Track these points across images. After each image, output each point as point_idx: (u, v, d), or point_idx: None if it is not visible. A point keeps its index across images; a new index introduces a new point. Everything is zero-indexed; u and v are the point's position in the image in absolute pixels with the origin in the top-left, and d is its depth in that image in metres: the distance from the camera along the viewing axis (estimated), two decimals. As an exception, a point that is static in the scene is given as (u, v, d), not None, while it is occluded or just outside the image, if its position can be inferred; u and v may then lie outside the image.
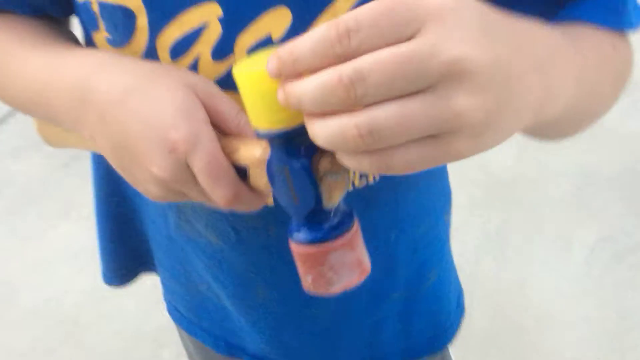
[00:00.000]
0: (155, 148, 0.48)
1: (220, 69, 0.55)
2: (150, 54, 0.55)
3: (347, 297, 0.55)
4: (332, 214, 0.44)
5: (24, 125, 2.60)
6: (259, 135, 0.43)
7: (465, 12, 0.36)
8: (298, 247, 0.45)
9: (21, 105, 0.59)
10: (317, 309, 0.70)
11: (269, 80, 0.39)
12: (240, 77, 0.41)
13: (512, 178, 2.28)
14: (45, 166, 2.52)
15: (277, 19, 0.52)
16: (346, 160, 0.38)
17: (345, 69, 0.35)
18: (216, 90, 0.51)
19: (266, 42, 0.53)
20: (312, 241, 0.44)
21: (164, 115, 0.48)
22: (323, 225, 0.44)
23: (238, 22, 0.53)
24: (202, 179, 0.48)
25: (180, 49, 0.54)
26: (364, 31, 0.35)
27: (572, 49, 0.46)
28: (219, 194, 0.48)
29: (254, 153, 0.47)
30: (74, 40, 0.62)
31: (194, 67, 0.55)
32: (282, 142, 0.43)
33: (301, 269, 0.45)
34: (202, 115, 0.49)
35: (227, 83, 0.52)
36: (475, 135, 0.36)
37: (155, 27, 0.54)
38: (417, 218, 0.70)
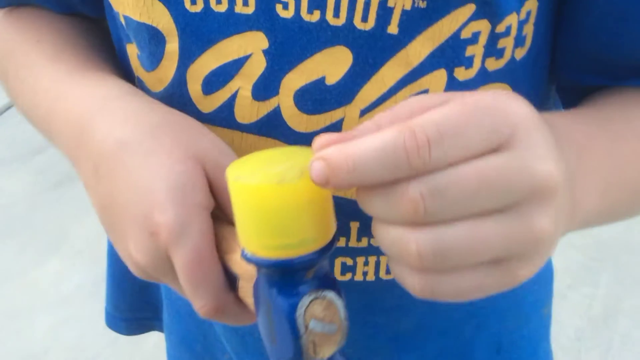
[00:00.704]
0: (135, 224, 0.44)
1: (261, 110, 0.50)
2: (179, 85, 0.51)
3: None
4: None
5: (13, 130, 2.39)
6: (245, 258, 0.38)
7: (544, 125, 0.36)
8: None
9: (30, 120, 0.58)
10: None
11: (271, 198, 0.36)
12: (244, 189, 0.37)
13: (621, 247, 2.14)
14: (34, 185, 2.41)
15: (335, 60, 0.48)
16: (391, 267, 0.37)
17: (419, 186, 0.33)
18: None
19: (318, 86, 0.48)
20: None
21: (153, 190, 0.43)
22: None
23: (286, 57, 0.48)
24: (181, 279, 0.43)
25: (215, 81, 0.50)
26: (447, 142, 0.33)
27: (607, 141, 0.47)
28: (197, 303, 0.44)
29: (247, 265, 0.41)
30: (105, 45, 0.60)
31: (231, 105, 0.50)
32: (270, 272, 0.38)
33: None
34: (199, 199, 0.43)
35: (266, 129, 0.50)
36: (539, 258, 0.36)
37: (188, 55, 0.50)
38: (502, 310, 0.65)
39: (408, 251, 0.35)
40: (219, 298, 0.44)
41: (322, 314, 0.38)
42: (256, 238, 0.37)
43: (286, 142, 0.50)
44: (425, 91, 0.48)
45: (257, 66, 0.49)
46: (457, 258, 0.34)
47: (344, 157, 0.33)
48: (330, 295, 0.39)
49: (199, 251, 0.43)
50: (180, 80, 0.51)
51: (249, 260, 0.38)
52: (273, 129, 0.49)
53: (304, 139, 0.49)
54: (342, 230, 0.52)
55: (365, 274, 0.55)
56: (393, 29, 0.47)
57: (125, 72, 0.57)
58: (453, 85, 0.47)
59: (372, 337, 0.60)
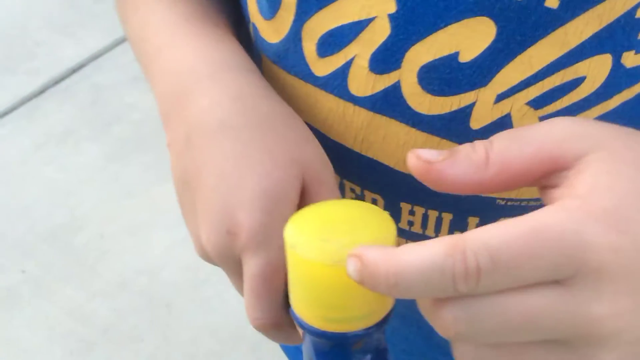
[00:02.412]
0: (214, 215, 0.41)
1: (377, 84, 0.43)
2: (294, 40, 0.46)
3: None
4: None
5: None
6: (294, 318, 0.35)
7: (631, 251, 0.29)
8: None
9: (132, 49, 0.54)
10: None
11: (325, 276, 0.33)
12: (298, 261, 0.33)
13: None
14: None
15: (473, 34, 0.40)
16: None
17: (455, 310, 0.29)
18: (330, 180, 0.43)
19: (449, 63, 0.40)
20: None
21: (244, 188, 0.40)
22: None
23: (416, 26, 0.41)
24: (246, 286, 0.42)
25: (331, 43, 0.44)
26: (499, 273, 0.28)
27: None
28: (253, 314, 0.42)
29: None
30: None
31: (344, 73, 0.44)
32: (320, 342, 0.36)
33: None
34: (289, 212, 0.40)
35: (382, 105, 0.44)
36: None
37: (305, 9, 0.44)
38: None
39: (439, 324, 0.31)
40: (276, 316, 0.42)
41: None
42: (306, 306, 0.34)
43: (404, 122, 0.44)
44: (582, 79, 0.40)
45: (380, 33, 0.42)
46: (501, 330, 0.30)
47: (385, 272, 0.30)
48: None
49: (272, 266, 0.40)
50: (295, 35, 0.46)
51: (297, 321, 0.35)
52: (390, 107, 0.44)
53: (425, 122, 0.43)
54: (458, 224, 0.47)
55: None
56: (552, 2, 0.38)
57: (241, 18, 0.52)
58: (618, 73, 0.39)
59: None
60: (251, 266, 0.41)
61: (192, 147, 0.43)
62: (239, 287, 0.44)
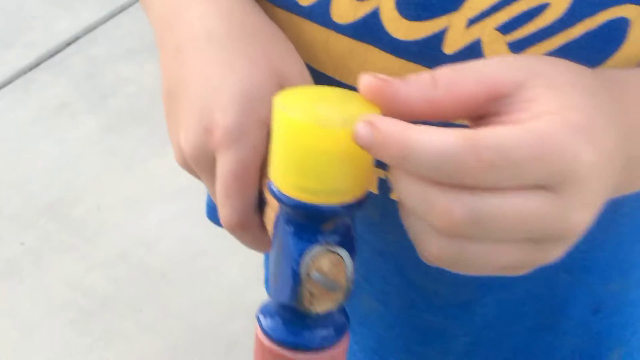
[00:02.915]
0: (194, 115, 0.43)
1: (359, 10, 0.45)
2: None
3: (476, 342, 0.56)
4: (311, 319, 0.39)
5: (144, 22, 2.40)
6: (271, 191, 0.37)
7: (603, 165, 0.34)
8: (258, 331, 0.41)
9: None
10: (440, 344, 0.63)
11: (309, 138, 0.34)
12: (286, 122, 0.35)
13: None
14: (160, 77, 2.30)
15: None
16: (408, 222, 0.36)
17: (458, 204, 0.32)
18: None
19: None
20: (272, 338, 0.40)
21: (224, 89, 0.43)
22: (293, 328, 0.40)
23: None
24: (218, 183, 0.43)
25: None
26: (506, 171, 0.32)
27: None
28: (224, 212, 0.43)
29: None
30: None
31: (328, 1, 0.46)
32: (291, 212, 0.37)
33: (255, 354, 0.41)
34: (264, 114, 0.42)
35: (363, 32, 0.45)
36: (571, 240, 0.36)
37: None
38: (604, 268, 0.58)
39: (437, 210, 0.33)
40: (246, 215, 0.44)
41: (327, 269, 0.38)
42: (285, 174, 0.36)
43: (382, 49, 0.46)
44: (546, 5, 0.42)
45: None
46: (493, 228, 0.33)
47: (396, 143, 0.32)
48: (343, 253, 0.38)
49: (243, 164, 0.42)
50: None
51: (273, 194, 0.37)
52: (370, 33, 0.45)
53: (402, 48, 0.45)
54: None
55: None
56: None
57: None
58: (581, 2, 0.42)
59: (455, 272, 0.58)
60: (223, 163, 0.42)
61: (180, 59, 0.46)
62: (213, 191, 0.45)
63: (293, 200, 0.36)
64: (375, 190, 0.52)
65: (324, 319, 0.40)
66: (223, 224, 0.44)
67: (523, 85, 0.34)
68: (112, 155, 2.13)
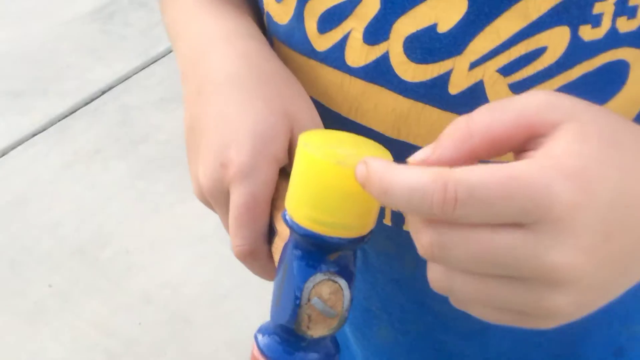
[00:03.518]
0: (212, 151, 0.48)
1: (370, 55, 0.49)
2: (297, 20, 0.52)
3: None
4: (305, 342, 0.42)
5: (173, 73, 2.48)
6: (286, 221, 0.41)
7: (592, 211, 0.33)
8: (254, 348, 0.44)
9: (166, 30, 0.61)
10: None
11: (326, 175, 0.38)
12: (307, 158, 0.39)
13: None
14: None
15: (448, 6, 0.45)
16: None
17: (431, 235, 0.35)
18: None
19: (428, 34, 0.46)
20: (266, 355, 0.43)
21: (240, 129, 0.47)
22: (288, 348, 0.43)
23: (401, 0, 0.47)
24: (231, 214, 0.47)
25: (330, 20, 0.50)
26: (473, 207, 0.33)
27: None
28: (235, 240, 0.47)
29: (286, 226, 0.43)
30: None
31: (342, 46, 0.50)
32: (300, 240, 0.41)
33: None
34: (275, 152, 0.47)
35: (374, 74, 0.49)
36: (564, 319, 0.36)
37: None
38: (625, 308, 0.59)
39: (414, 237, 0.36)
40: (256, 244, 0.47)
41: (327, 296, 0.41)
42: (301, 206, 0.40)
43: (393, 90, 0.49)
44: (544, 49, 0.45)
45: (372, 7, 0.48)
46: (468, 300, 0.36)
47: (379, 180, 0.35)
48: (342, 283, 0.41)
49: (255, 197, 0.46)
50: (299, 15, 0.51)
51: (287, 222, 0.41)
52: (380, 75, 0.48)
53: (411, 89, 0.48)
54: None
55: None
56: None
57: (258, 7, 0.58)
58: (576, 45, 0.44)
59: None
60: (237, 196, 0.46)
61: (201, 99, 0.50)
62: (227, 223, 0.48)
63: (304, 229, 0.40)
64: (389, 222, 0.55)
65: (316, 344, 0.42)
66: (235, 253, 0.47)
67: (559, 126, 0.34)
68: (140, 200, 2.18)
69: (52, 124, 2.48)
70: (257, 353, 0.43)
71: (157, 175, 2.26)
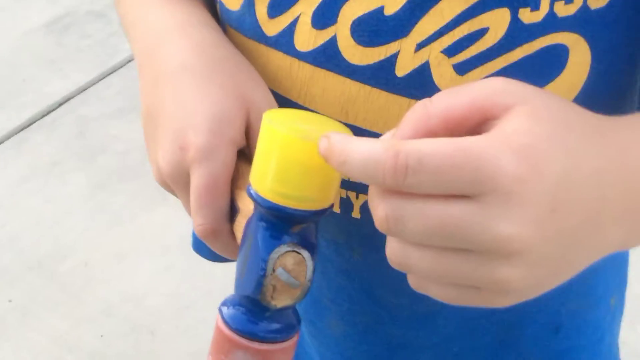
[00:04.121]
0: (170, 135, 0.49)
1: (318, 39, 0.50)
2: (248, 5, 0.53)
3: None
4: (269, 312, 0.44)
5: (134, 82, 2.44)
6: (249, 194, 0.42)
7: (538, 185, 0.34)
8: (218, 320, 0.45)
9: (121, 23, 0.62)
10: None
11: (291, 149, 0.40)
12: (272, 133, 0.41)
13: None
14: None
15: None
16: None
17: (386, 207, 0.36)
18: None
19: (375, 16, 0.47)
20: (230, 326, 0.44)
21: (196, 113, 0.48)
22: (252, 318, 0.44)
23: None
24: (192, 195, 0.48)
25: (279, 4, 0.51)
26: (423, 175, 0.34)
27: None
28: (197, 220, 0.48)
29: (250, 203, 0.45)
30: None
31: (291, 30, 0.51)
32: (265, 213, 0.42)
33: (211, 344, 0.45)
34: (232, 134, 0.48)
35: (322, 59, 0.50)
36: (517, 297, 0.37)
37: None
38: (563, 287, 0.57)
39: (371, 208, 0.37)
40: (218, 223, 0.48)
41: (291, 266, 0.42)
42: (265, 180, 0.41)
43: (340, 74, 0.49)
44: (486, 29, 0.46)
45: None
46: (424, 274, 0.37)
47: (339, 151, 0.36)
48: (305, 254, 0.42)
49: (214, 178, 0.47)
50: (249, 0, 0.52)
51: (251, 196, 0.42)
52: (328, 59, 0.49)
53: (359, 72, 0.49)
54: None
55: None
56: None
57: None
58: (516, 27, 0.45)
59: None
60: (196, 177, 0.47)
61: (157, 88, 0.51)
62: (188, 205, 0.50)
63: (269, 202, 0.41)
64: (337, 210, 0.55)
65: (279, 315, 0.44)
66: (196, 232, 0.49)
67: (511, 109, 0.35)
68: (100, 212, 2.15)
69: (9, 137, 2.44)
70: (221, 324, 0.44)
71: (117, 186, 2.23)
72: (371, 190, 0.37)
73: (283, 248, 0.42)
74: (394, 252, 0.37)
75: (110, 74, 2.69)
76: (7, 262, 2.00)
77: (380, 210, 0.36)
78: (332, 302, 0.64)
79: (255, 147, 0.47)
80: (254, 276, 0.42)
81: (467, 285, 0.36)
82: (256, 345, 0.43)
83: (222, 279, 1.69)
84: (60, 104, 2.56)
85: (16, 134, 2.45)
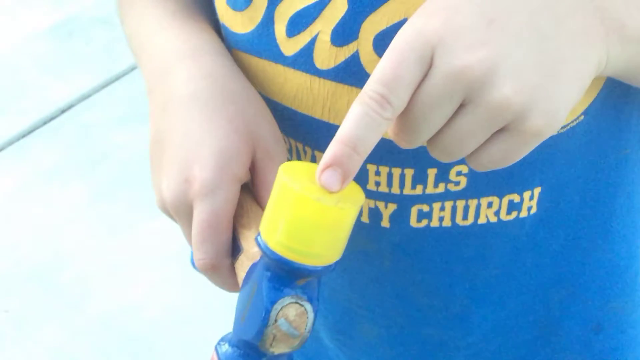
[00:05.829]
0: (175, 166, 0.49)
1: (339, 56, 0.50)
2: (266, 25, 0.52)
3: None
4: (266, 358, 0.45)
5: (136, 91, 2.51)
6: (258, 243, 0.43)
7: (459, 16, 0.39)
8: (214, 356, 0.46)
9: (128, 42, 0.62)
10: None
11: (304, 209, 0.41)
12: (286, 190, 0.42)
13: None
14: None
15: (419, 1, 0.45)
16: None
17: (394, 127, 0.41)
18: (281, 156, 0.51)
19: (399, 29, 0.44)
20: None
21: (204, 145, 0.49)
22: None
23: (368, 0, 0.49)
24: (194, 229, 0.49)
25: (298, 23, 0.51)
26: (394, 86, 0.38)
27: None
28: (198, 254, 0.49)
29: (254, 245, 0.46)
30: None
31: (310, 49, 0.51)
32: (272, 264, 0.43)
33: None
34: (237, 171, 0.49)
35: (344, 75, 0.50)
36: (537, 109, 0.39)
37: None
38: (603, 285, 0.63)
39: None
40: (218, 259, 0.49)
41: (293, 318, 0.43)
42: (275, 232, 0.42)
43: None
44: None
45: (339, 9, 0.49)
46: (460, 149, 0.41)
47: (346, 142, 0.39)
48: (308, 307, 0.44)
49: (217, 214, 0.48)
50: (268, 19, 0.52)
51: (260, 246, 0.43)
52: (351, 75, 0.50)
53: None
54: (420, 177, 0.53)
55: (441, 219, 0.54)
56: None
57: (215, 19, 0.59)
58: None
59: (449, 287, 0.59)
60: (199, 212, 0.48)
61: (166, 114, 0.52)
62: (189, 235, 0.50)
63: (277, 255, 0.42)
64: (366, 220, 0.55)
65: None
66: (197, 265, 0.49)
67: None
68: (100, 221, 2.14)
69: (10, 143, 2.43)
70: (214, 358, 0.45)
71: (118, 195, 2.22)
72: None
73: (287, 300, 0.43)
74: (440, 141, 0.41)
75: (114, 81, 2.68)
76: (5, 271, 1.99)
77: (425, 139, 0.41)
78: (364, 309, 0.64)
79: (260, 185, 0.50)
80: (256, 323, 0.43)
81: (482, 131, 0.39)
82: None
83: (221, 291, 1.66)
84: (63, 111, 2.55)
85: (17, 140, 2.44)
